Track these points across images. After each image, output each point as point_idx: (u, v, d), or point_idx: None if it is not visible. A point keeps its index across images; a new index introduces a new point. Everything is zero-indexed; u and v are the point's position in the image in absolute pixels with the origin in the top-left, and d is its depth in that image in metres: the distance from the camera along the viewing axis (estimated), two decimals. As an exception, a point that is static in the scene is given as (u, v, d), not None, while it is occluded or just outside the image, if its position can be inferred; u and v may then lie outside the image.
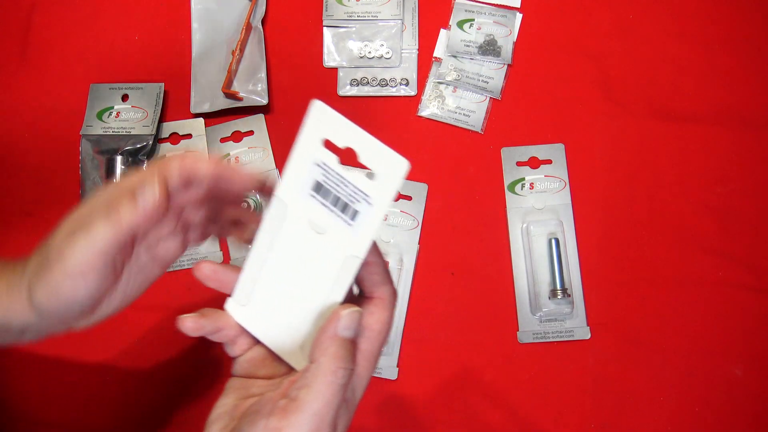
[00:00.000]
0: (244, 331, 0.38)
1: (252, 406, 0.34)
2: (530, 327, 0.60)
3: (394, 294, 0.36)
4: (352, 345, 0.34)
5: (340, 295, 0.35)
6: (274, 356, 0.38)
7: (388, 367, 0.59)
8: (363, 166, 0.33)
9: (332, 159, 0.34)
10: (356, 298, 0.37)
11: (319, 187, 0.35)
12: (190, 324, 0.37)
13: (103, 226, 0.34)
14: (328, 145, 0.34)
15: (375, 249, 0.35)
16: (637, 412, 0.59)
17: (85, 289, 0.35)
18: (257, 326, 0.38)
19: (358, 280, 0.36)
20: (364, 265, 0.35)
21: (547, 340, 0.60)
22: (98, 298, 0.37)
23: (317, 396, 0.31)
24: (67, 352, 0.59)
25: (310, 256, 0.36)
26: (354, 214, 0.34)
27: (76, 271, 0.35)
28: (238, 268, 0.38)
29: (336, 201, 0.34)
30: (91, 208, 0.36)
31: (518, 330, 0.60)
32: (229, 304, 0.38)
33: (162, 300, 0.62)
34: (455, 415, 0.59)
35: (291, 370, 0.37)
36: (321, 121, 0.34)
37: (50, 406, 0.60)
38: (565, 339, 0.60)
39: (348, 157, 0.34)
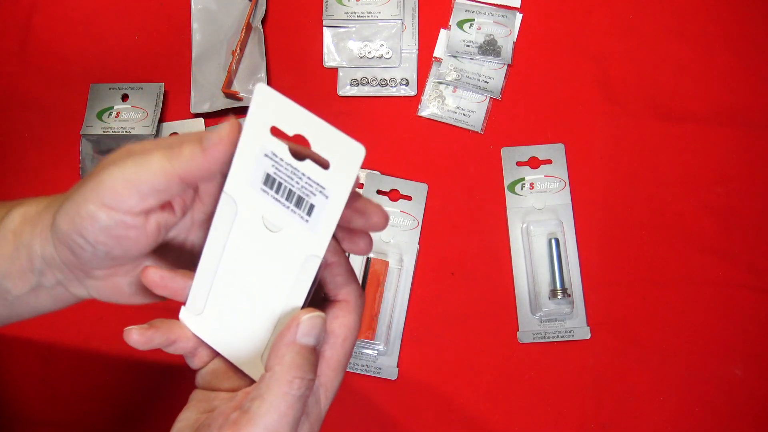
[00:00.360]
0: (203, 343, 0.35)
1: (205, 420, 0.32)
2: (530, 327, 0.60)
3: (360, 295, 0.33)
4: (312, 353, 0.30)
5: (300, 299, 0.32)
6: (236, 368, 0.35)
7: (388, 367, 0.59)
8: (316, 155, 0.30)
9: (282, 148, 0.30)
10: (320, 301, 0.34)
11: (269, 180, 0.31)
12: (136, 336, 0.33)
13: (158, 158, 0.30)
14: (277, 133, 0.30)
15: (336, 247, 0.33)
16: (637, 412, 0.59)
17: (101, 224, 0.30)
18: (214, 336, 0.35)
19: (321, 282, 0.33)
20: (326, 265, 0.32)
21: (547, 340, 0.60)
22: (126, 246, 0.32)
23: (270, 408, 0.29)
24: (67, 352, 0.59)
25: (265, 257, 0.32)
26: (310, 209, 0.31)
27: (105, 198, 0.30)
28: (190, 274, 0.35)
29: (289, 195, 0.31)
30: (143, 145, 0.32)
31: (518, 330, 0.60)
32: (183, 313, 0.35)
33: (162, 300, 0.62)
34: (455, 415, 0.59)
35: (254, 382, 0.34)
36: (267, 106, 0.30)
37: (50, 406, 0.60)
38: (565, 339, 0.60)
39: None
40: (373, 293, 0.59)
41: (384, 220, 0.32)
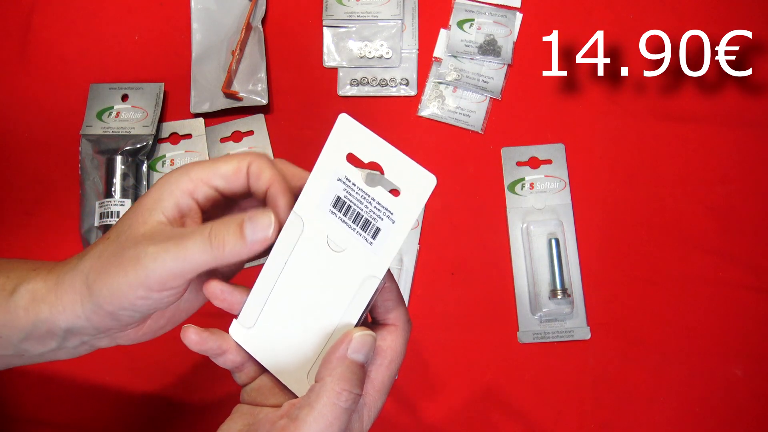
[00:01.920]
0: (250, 358, 0.36)
1: (252, 426, 0.33)
2: (530, 327, 0.60)
3: (408, 321, 0.34)
4: (361, 369, 0.32)
5: (355, 317, 0.33)
6: (282, 385, 0.35)
7: (388, 367, 0.59)
8: (388, 182, 0.32)
9: (355, 174, 0.32)
10: (368, 324, 0.35)
11: (339, 203, 0.33)
12: (193, 336, 0.35)
13: (200, 251, 0.32)
14: (353, 160, 0.32)
15: (389, 272, 0.34)
16: (637, 412, 0.59)
17: (152, 302, 0.33)
18: (261, 350, 0.35)
19: (373, 305, 0.34)
20: (380, 289, 0.33)
21: (547, 340, 0.60)
22: (153, 315, 0.36)
23: (318, 417, 0.30)
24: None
25: (325, 276, 0.33)
26: (375, 232, 0.32)
27: (152, 284, 0.32)
28: (247, 289, 0.36)
29: (357, 217, 0.33)
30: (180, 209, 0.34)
31: (518, 330, 0.60)
32: (233, 327, 0.36)
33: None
34: (455, 415, 0.59)
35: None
36: (346, 134, 0.32)
37: (50, 406, 0.60)
38: (565, 339, 0.60)
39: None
40: (373, 293, 0.59)
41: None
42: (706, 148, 0.64)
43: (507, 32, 0.67)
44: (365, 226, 0.32)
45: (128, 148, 0.63)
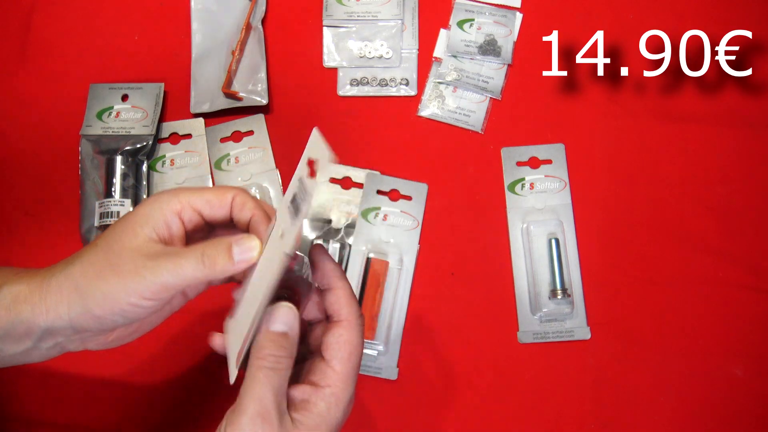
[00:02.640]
0: None
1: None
2: (530, 327, 0.60)
3: (360, 316, 0.39)
4: (281, 337, 0.37)
5: (266, 287, 0.36)
6: None
7: (388, 367, 0.59)
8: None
9: (305, 172, 0.36)
10: (325, 323, 0.40)
11: (293, 199, 0.36)
12: (219, 340, 0.39)
13: (194, 268, 0.36)
14: (310, 163, 0.36)
15: (340, 274, 0.39)
16: (637, 412, 0.59)
17: (140, 311, 0.37)
18: (228, 340, 0.39)
19: (326, 306, 0.39)
20: (329, 290, 0.39)
21: (547, 341, 0.60)
22: (152, 311, 0.39)
23: (253, 381, 0.35)
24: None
25: (273, 260, 0.37)
26: (298, 211, 0.36)
27: (146, 293, 0.36)
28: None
29: (296, 206, 0.36)
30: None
31: (518, 330, 0.60)
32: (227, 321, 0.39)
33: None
34: (455, 415, 0.59)
35: None
36: (312, 145, 0.36)
37: (50, 406, 0.60)
38: (566, 339, 0.60)
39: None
40: (373, 293, 0.59)
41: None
42: (706, 148, 0.64)
43: (507, 32, 0.67)
44: (297, 209, 0.36)
45: (128, 148, 0.64)
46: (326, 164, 0.36)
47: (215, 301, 0.64)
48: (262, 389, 0.35)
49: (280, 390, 0.35)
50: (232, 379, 0.37)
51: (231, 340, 0.38)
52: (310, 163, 0.36)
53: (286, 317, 0.37)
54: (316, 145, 0.36)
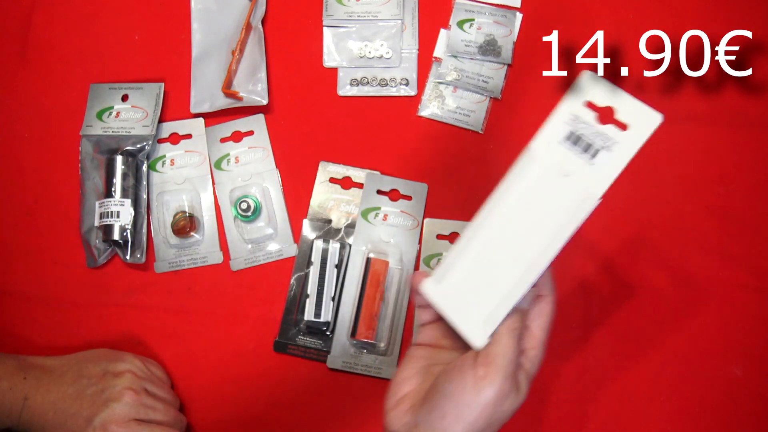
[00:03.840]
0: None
1: (449, 365, 0.41)
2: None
3: (553, 289, 0.43)
4: (521, 313, 0.41)
5: (565, 236, 0.38)
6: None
7: (389, 367, 0.59)
8: (619, 122, 0.37)
9: (590, 115, 0.38)
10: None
11: (572, 136, 0.38)
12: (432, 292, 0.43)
13: None
14: (590, 106, 0.38)
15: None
16: (637, 412, 0.59)
17: None
18: (445, 303, 0.42)
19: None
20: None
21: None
22: None
23: (505, 348, 0.39)
24: (68, 351, 0.59)
25: (547, 200, 0.39)
26: (601, 158, 0.37)
27: None
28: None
29: (587, 147, 0.37)
30: None
31: (518, 330, 0.60)
32: (426, 283, 0.42)
33: (162, 300, 0.62)
34: (455, 415, 0.58)
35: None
36: (587, 87, 0.38)
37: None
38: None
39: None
40: (373, 293, 0.59)
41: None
42: (706, 148, 0.64)
43: (507, 32, 0.67)
44: (594, 154, 0.37)
45: (128, 148, 0.64)
46: (623, 99, 0.37)
47: (218, 303, 0.65)
48: (513, 355, 0.39)
49: (518, 355, 0.41)
50: (483, 342, 0.40)
51: (493, 298, 0.40)
52: (589, 105, 0.37)
53: (529, 298, 0.42)
54: (591, 86, 0.38)
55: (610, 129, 0.37)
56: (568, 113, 0.38)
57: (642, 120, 0.37)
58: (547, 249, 0.38)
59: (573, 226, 0.38)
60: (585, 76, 0.38)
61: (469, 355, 0.40)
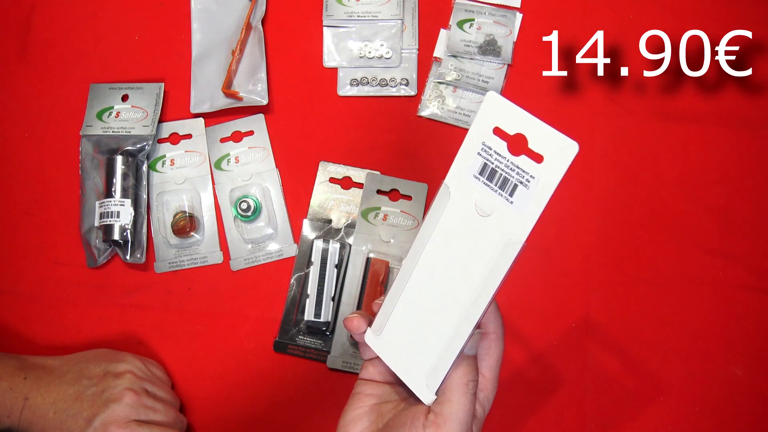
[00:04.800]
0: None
1: (399, 418, 0.39)
2: (530, 327, 0.60)
3: (502, 326, 0.41)
4: (474, 360, 0.39)
5: (495, 283, 0.35)
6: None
7: (388, 367, 0.59)
8: (533, 152, 0.34)
9: (501, 145, 0.35)
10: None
11: (485, 169, 0.35)
12: (355, 323, 0.42)
13: None
14: (499, 132, 0.35)
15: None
16: (638, 412, 0.59)
17: None
18: (389, 354, 0.40)
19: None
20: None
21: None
22: None
23: (458, 407, 0.37)
24: (69, 351, 0.59)
25: (469, 244, 0.36)
26: (519, 195, 0.34)
27: None
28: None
29: (503, 183, 0.35)
30: None
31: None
32: (367, 333, 0.41)
33: (162, 300, 0.62)
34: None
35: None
36: (493, 110, 0.35)
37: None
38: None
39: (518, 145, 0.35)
40: (373, 293, 0.59)
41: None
42: (706, 148, 0.64)
43: (507, 32, 0.67)
44: (511, 190, 0.34)
45: (128, 148, 0.64)
46: (535, 126, 0.34)
47: (220, 303, 0.64)
48: (466, 416, 0.37)
49: (473, 412, 0.39)
50: (430, 400, 0.38)
51: (432, 352, 0.38)
52: (497, 131, 0.35)
53: (476, 342, 0.40)
54: (497, 108, 0.35)
55: (524, 161, 0.34)
56: (479, 142, 0.35)
57: (557, 150, 0.33)
58: (480, 295, 0.36)
59: (502, 271, 0.35)
60: (489, 98, 0.34)
61: (420, 410, 0.38)
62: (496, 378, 0.41)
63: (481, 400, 0.40)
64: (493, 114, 0.34)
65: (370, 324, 0.41)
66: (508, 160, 0.34)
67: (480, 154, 0.35)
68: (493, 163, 0.35)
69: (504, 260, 0.35)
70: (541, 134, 0.33)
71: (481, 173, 0.35)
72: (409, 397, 0.41)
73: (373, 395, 0.42)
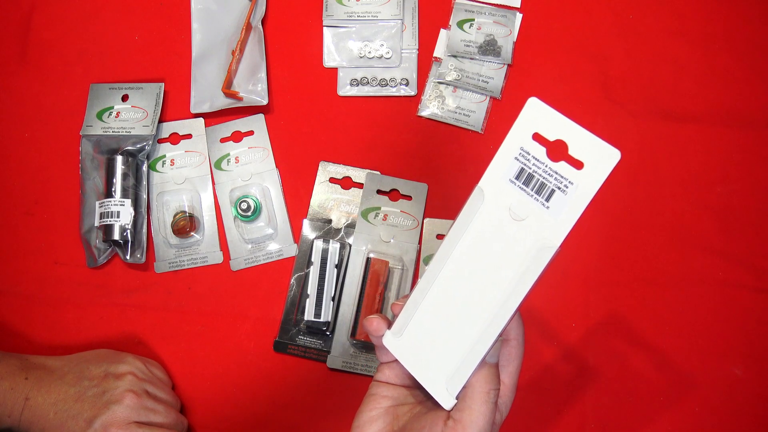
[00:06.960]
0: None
1: (413, 425, 0.39)
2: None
3: (522, 333, 0.40)
4: (496, 368, 0.38)
5: (525, 288, 0.35)
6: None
7: (388, 367, 0.59)
8: (573, 159, 0.34)
9: (540, 150, 0.35)
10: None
11: (522, 174, 0.35)
12: (375, 324, 0.41)
13: None
14: (538, 138, 0.35)
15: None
16: (637, 412, 0.59)
17: None
18: (408, 357, 0.39)
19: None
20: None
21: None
22: None
23: (479, 416, 0.37)
24: (69, 351, 0.59)
25: (502, 247, 0.36)
26: (556, 201, 0.34)
27: None
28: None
29: (540, 188, 0.35)
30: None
31: (518, 330, 0.60)
32: (386, 337, 0.40)
33: (162, 300, 0.62)
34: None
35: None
36: (534, 115, 0.35)
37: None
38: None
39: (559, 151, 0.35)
40: (373, 293, 0.59)
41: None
42: (706, 148, 0.64)
43: (507, 32, 0.67)
44: (548, 196, 0.35)
45: (128, 148, 0.64)
46: (576, 133, 0.33)
47: (219, 303, 0.64)
48: (486, 425, 0.37)
49: (493, 420, 0.38)
50: (450, 404, 0.38)
51: (457, 356, 0.37)
52: (536, 137, 0.35)
53: (498, 350, 0.39)
54: (538, 114, 0.35)
55: (563, 167, 0.34)
56: (517, 147, 0.35)
57: (598, 158, 0.33)
58: (508, 300, 0.36)
59: (534, 276, 0.35)
60: (530, 104, 0.35)
61: (440, 415, 0.38)
62: (514, 385, 0.40)
63: (499, 406, 0.39)
64: (534, 120, 0.35)
65: (389, 326, 0.40)
66: (546, 166, 0.34)
67: (517, 159, 0.35)
68: (530, 168, 0.35)
69: (536, 264, 0.35)
70: (583, 141, 0.33)
71: (517, 177, 0.35)
72: (426, 400, 0.41)
73: (389, 397, 0.42)
